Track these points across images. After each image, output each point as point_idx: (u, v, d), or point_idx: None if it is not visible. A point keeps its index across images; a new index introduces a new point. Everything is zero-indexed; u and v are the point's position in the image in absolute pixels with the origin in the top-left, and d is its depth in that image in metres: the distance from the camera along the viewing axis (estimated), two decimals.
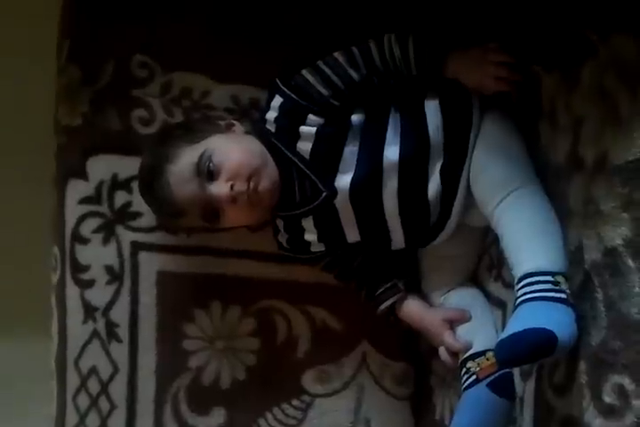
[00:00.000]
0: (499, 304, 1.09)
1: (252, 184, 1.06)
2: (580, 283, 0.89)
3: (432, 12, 1.15)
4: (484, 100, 1.07)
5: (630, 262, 0.80)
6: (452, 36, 1.09)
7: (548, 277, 0.90)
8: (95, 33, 1.19)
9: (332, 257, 1.19)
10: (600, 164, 0.85)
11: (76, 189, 1.23)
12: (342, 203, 1.09)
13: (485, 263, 1.14)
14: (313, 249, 1.17)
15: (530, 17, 1.02)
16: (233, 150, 1.08)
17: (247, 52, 1.17)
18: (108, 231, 1.23)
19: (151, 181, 1.10)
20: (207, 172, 1.06)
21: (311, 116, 1.07)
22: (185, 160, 1.07)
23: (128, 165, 1.21)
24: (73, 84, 1.20)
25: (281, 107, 1.09)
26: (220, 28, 1.17)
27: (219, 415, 1.27)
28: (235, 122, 1.15)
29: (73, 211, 1.23)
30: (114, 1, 1.19)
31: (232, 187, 1.06)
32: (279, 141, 1.10)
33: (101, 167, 1.22)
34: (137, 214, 1.22)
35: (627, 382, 0.80)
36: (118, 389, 1.26)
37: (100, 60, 1.19)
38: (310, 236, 1.15)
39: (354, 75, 1.07)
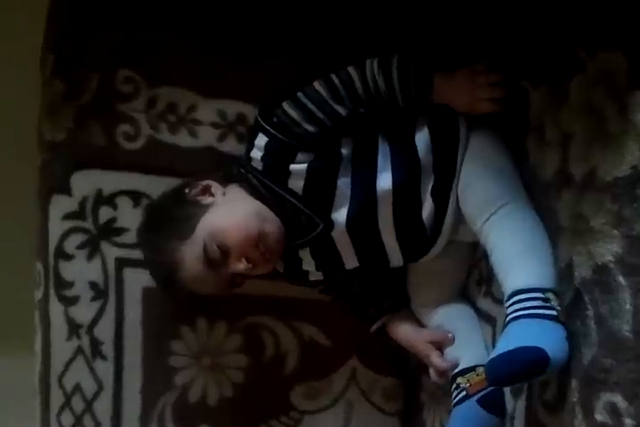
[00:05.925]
0: (488, 320, 1.09)
1: (262, 247, 1.05)
2: (570, 300, 0.88)
3: (418, 28, 1.14)
4: (471, 116, 1.06)
5: (621, 279, 0.80)
6: (439, 53, 1.08)
7: (538, 294, 0.90)
8: (80, 48, 1.18)
9: (331, 282, 1.18)
10: (589, 180, 0.84)
11: (60, 205, 1.21)
12: (339, 234, 1.08)
13: (475, 278, 1.13)
14: (311, 278, 1.16)
15: (517, 32, 1.01)
16: (229, 228, 1.05)
17: (233, 66, 1.16)
18: (92, 247, 1.21)
19: (171, 289, 1.12)
20: (217, 261, 1.05)
21: (300, 154, 1.04)
22: (190, 262, 1.06)
23: (113, 181, 1.20)
24: (57, 99, 1.19)
25: (267, 146, 1.05)
26: (205, 42, 1.17)
27: None
28: (209, 182, 1.10)
29: (57, 227, 1.22)
30: (99, 15, 1.18)
31: (247, 260, 1.05)
32: (268, 180, 1.07)
33: (86, 183, 1.20)
34: (122, 230, 1.21)
35: (619, 400, 0.79)
36: (103, 407, 1.24)
37: (85, 75, 1.18)
38: (308, 265, 1.14)
39: (340, 110, 1.04)
